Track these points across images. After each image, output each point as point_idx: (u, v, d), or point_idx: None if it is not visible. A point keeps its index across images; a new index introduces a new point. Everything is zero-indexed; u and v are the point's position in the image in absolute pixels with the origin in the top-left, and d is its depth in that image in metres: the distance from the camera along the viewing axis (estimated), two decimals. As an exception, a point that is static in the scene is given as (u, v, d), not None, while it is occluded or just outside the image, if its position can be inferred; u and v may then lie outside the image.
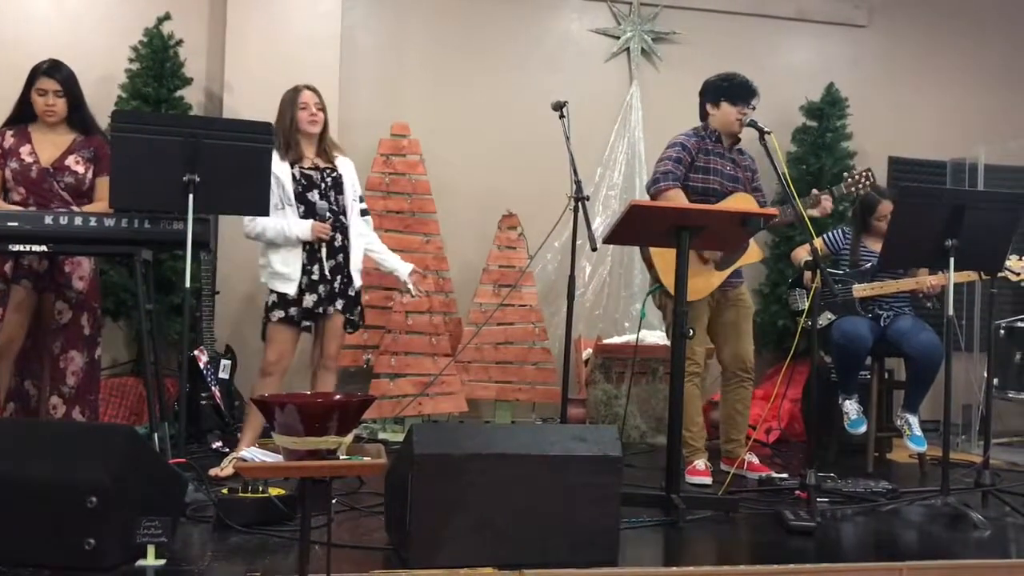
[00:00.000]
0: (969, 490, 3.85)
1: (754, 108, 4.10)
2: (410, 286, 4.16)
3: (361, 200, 4.11)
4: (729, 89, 4.11)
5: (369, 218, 4.16)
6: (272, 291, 3.88)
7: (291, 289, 3.83)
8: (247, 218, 3.81)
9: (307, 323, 3.90)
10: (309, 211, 3.88)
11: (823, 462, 4.41)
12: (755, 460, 4.24)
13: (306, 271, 3.85)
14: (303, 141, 3.96)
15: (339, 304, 3.94)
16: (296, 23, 5.32)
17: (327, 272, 3.90)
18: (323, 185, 3.93)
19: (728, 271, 4.10)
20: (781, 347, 5.65)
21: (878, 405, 4.67)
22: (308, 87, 4.01)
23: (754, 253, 4.17)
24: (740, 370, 4.21)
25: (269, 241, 3.85)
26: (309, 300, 3.86)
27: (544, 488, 2.69)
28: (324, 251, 3.89)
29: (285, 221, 3.82)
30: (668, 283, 3.98)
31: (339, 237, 3.94)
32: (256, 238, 3.86)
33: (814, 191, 4.24)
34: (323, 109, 4.01)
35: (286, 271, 3.84)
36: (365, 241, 4.08)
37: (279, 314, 3.85)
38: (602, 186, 5.87)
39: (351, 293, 3.99)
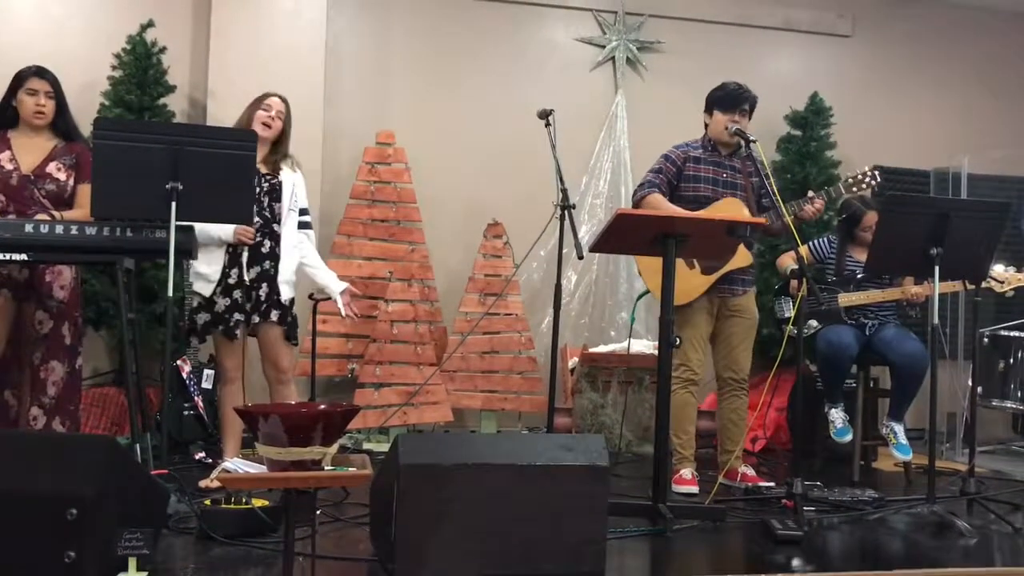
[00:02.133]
0: (955, 498, 3.86)
1: (745, 114, 4.11)
2: (340, 305, 4.03)
3: (304, 213, 4.03)
4: (719, 97, 4.14)
5: (311, 232, 4.10)
6: (194, 293, 3.85)
7: (206, 291, 3.81)
8: None
9: (222, 327, 3.81)
10: None
11: (809, 471, 4.40)
12: (750, 472, 4.21)
13: (225, 274, 3.81)
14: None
15: (274, 316, 3.86)
16: (281, 31, 5.29)
17: (247, 278, 3.83)
18: (258, 190, 3.85)
19: (717, 274, 4.09)
20: (767, 356, 5.64)
21: (863, 414, 4.67)
22: (278, 95, 3.99)
23: (742, 257, 4.16)
24: (731, 379, 4.20)
25: (201, 243, 3.75)
26: (221, 304, 3.80)
27: (531, 498, 2.67)
28: (246, 256, 3.83)
29: (208, 224, 3.72)
30: (652, 286, 4.03)
31: (268, 243, 3.87)
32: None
33: (810, 192, 4.24)
34: (284, 120, 3.96)
35: (207, 271, 3.81)
36: (300, 253, 4.00)
37: (204, 316, 3.81)
38: (588, 194, 5.87)
39: (284, 303, 3.91)
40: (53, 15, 5.20)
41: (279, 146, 3.99)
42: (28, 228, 3.40)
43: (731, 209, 4.08)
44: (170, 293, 3.35)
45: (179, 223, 3.33)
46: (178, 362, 4.58)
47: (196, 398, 4.60)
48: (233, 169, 3.42)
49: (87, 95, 4.88)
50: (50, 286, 3.75)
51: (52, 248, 3.43)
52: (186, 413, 4.59)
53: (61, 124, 3.80)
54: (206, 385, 4.71)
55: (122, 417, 4.67)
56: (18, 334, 3.78)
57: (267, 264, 3.87)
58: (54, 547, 2.41)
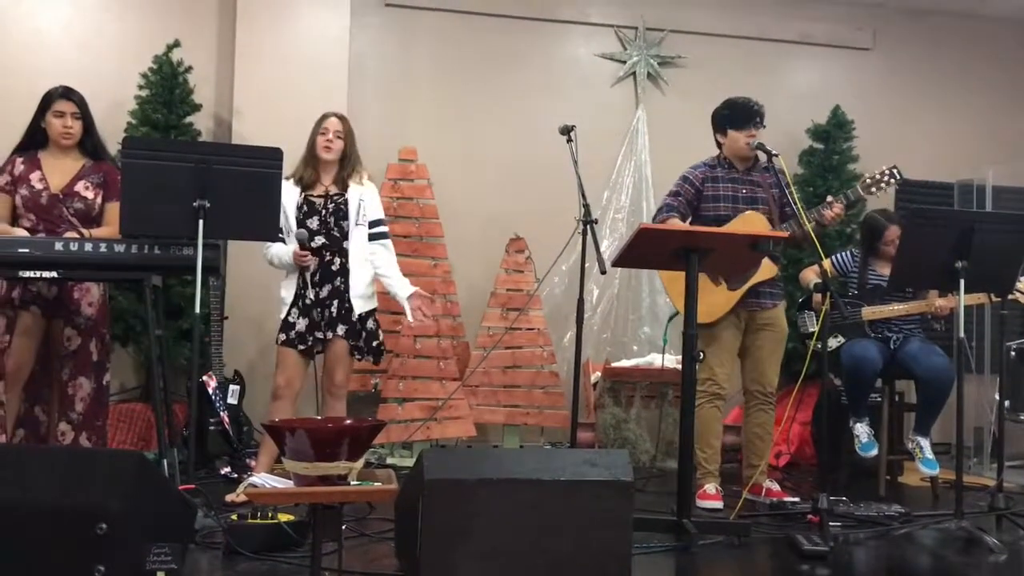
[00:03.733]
0: (983, 514, 3.82)
1: (760, 126, 4.11)
2: (407, 309, 4.05)
3: (378, 224, 4.09)
4: (731, 116, 4.14)
5: (387, 242, 4.13)
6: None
7: (282, 312, 3.97)
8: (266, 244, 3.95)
9: (301, 346, 3.94)
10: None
11: (834, 486, 4.37)
12: (775, 487, 4.19)
13: (300, 295, 3.94)
14: (320, 167, 4.01)
15: (340, 330, 3.94)
16: (304, 49, 5.35)
17: (318, 297, 3.94)
18: (323, 211, 3.96)
19: (742, 290, 4.08)
20: (790, 370, 5.62)
21: (889, 428, 4.64)
22: (336, 114, 4.08)
23: (767, 270, 4.15)
24: (758, 392, 4.18)
25: (280, 265, 3.99)
26: (301, 324, 3.94)
27: (555, 513, 2.66)
28: (315, 277, 3.94)
29: (285, 247, 3.93)
30: (679, 305, 3.97)
31: (338, 261, 3.96)
32: (269, 263, 4.02)
33: (828, 197, 4.22)
34: (344, 138, 4.04)
35: (285, 295, 4.00)
36: (373, 265, 4.06)
37: (281, 336, 3.96)
38: (609, 209, 5.88)
39: (353, 319, 3.98)
40: (81, 36, 5.28)
41: (345, 163, 4.05)
42: (57, 246, 3.45)
43: (753, 222, 4.07)
44: (197, 310, 3.38)
45: (206, 240, 3.36)
46: (204, 378, 4.62)
47: (222, 413, 4.63)
48: (259, 186, 3.47)
49: (115, 114, 4.95)
50: (78, 303, 3.80)
51: (81, 265, 3.48)
52: (211, 428, 4.62)
53: (88, 144, 3.85)
54: (232, 400, 4.74)
55: (148, 432, 4.71)
56: (47, 350, 3.83)
57: (338, 281, 3.96)
58: (84, 561, 2.44)
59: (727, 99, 4.19)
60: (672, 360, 5.25)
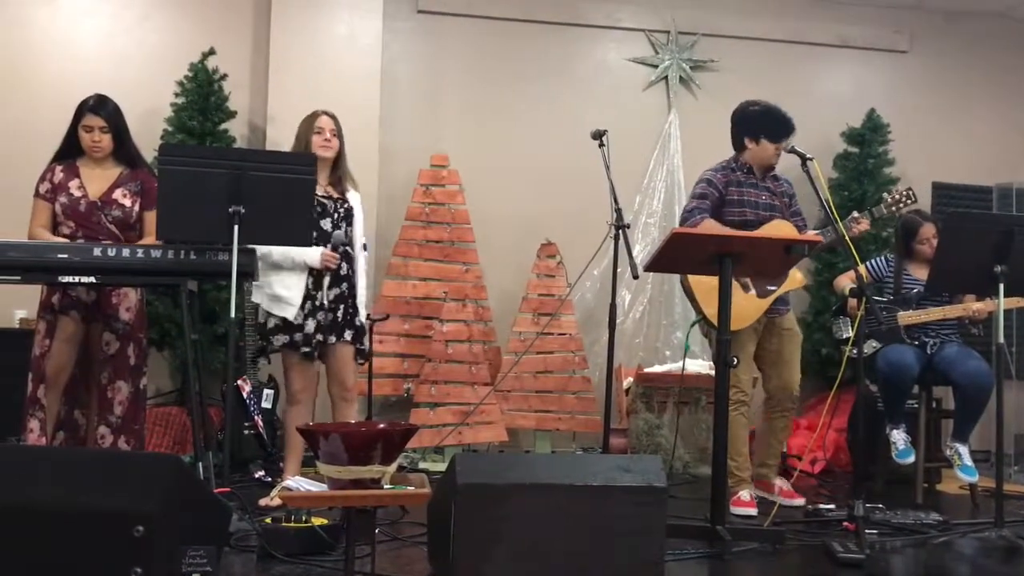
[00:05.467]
0: (1024, 522, 3.76)
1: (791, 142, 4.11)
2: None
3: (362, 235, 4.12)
4: (771, 127, 4.10)
5: (366, 254, 4.18)
6: (269, 315, 3.87)
7: (290, 314, 3.83)
8: None
9: (306, 349, 3.86)
10: (322, 238, 3.88)
11: (871, 493, 4.31)
12: (786, 486, 4.22)
13: (310, 296, 3.86)
14: (318, 167, 3.90)
15: (347, 335, 3.94)
16: (337, 57, 5.40)
17: (328, 300, 3.90)
18: (335, 215, 3.96)
19: (771, 299, 4.06)
20: (825, 376, 5.56)
21: (926, 435, 4.56)
22: (326, 112, 4.03)
23: (796, 279, 4.13)
24: (786, 399, 4.20)
25: (273, 263, 3.83)
26: (310, 326, 3.86)
27: (588, 519, 2.65)
28: (328, 279, 3.90)
29: (294, 248, 3.80)
30: (709, 313, 3.97)
31: (344, 266, 3.96)
32: (260, 258, 3.75)
33: (854, 213, 4.21)
34: (339, 136, 4.01)
35: (286, 295, 3.84)
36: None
37: (283, 339, 3.85)
38: (641, 214, 5.87)
39: (358, 323, 3.99)
40: (118, 46, 5.36)
41: (340, 162, 4.04)
42: (96, 251, 3.50)
43: (782, 229, 4.06)
44: (232, 314, 3.41)
45: (241, 246, 3.39)
46: (238, 382, 4.66)
47: (256, 417, 4.67)
48: (294, 193, 3.49)
49: (151, 121, 5.02)
50: (116, 308, 3.85)
51: (118, 271, 3.53)
52: (246, 432, 4.66)
53: (123, 153, 3.89)
54: (265, 404, 4.78)
55: (184, 436, 4.76)
56: (86, 355, 3.88)
57: (344, 286, 3.95)
58: (121, 564, 2.46)
59: (761, 105, 4.15)
60: (700, 365, 5.24)
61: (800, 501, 4.16)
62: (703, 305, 3.99)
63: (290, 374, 3.93)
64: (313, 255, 3.85)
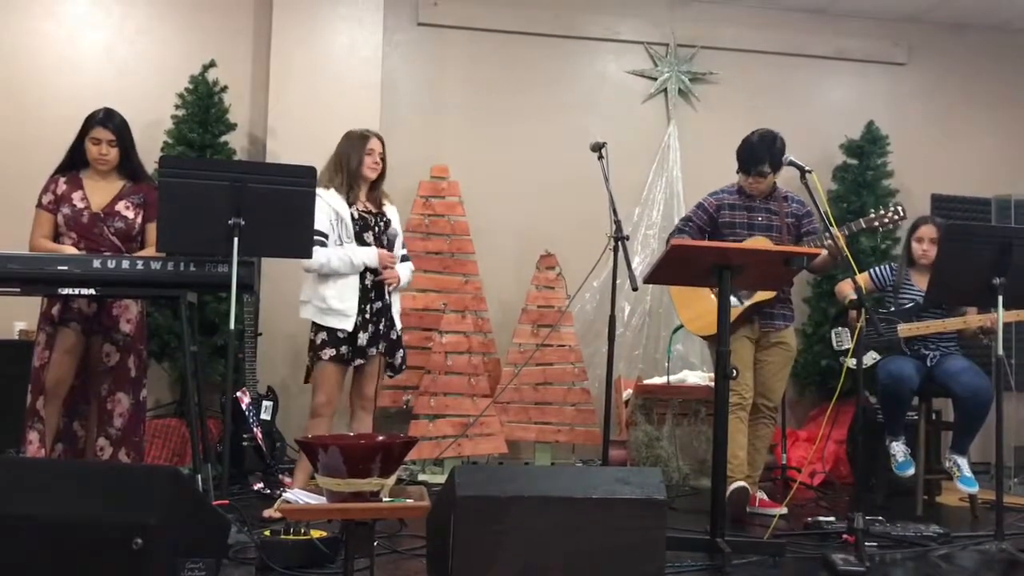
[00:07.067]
0: (1024, 535, 3.75)
1: (763, 175, 4.13)
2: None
3: (403, 246, 4.16)
4: (741, 158, 4.21)
5: (410, 263, 4.19)
6: (321, 328, 3.86)
7: (348, 325, 3.83)
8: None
9: (360, 361, 3.89)
10: None
11: (870, 505, 4.31)
12: (764, 496, 4.30)
13: (361, 309, 3.87)
14: (360, 183, 4.02)
15: (382, 346, 3.96)
16: (337, 68, 5.42)
17: (374, 313, 3.93)
18: (376, 229, 3.99)
19: (744, 306, 4.12)
20: (825, 387, 5.57)
21: (926, 447, 4.56)
22: (377, 135, 4.08)
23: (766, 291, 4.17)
24: (764, 406, 4.26)
25: (332, 271, 3.82)
26: (363, 338, 3.87)
27: (588, 531, 2.65)
28: (372, 291, 3.92)
29: (350, 249, 3.84)
30: (683, 318, 4.28)
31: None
32: (318, 269, 3.81)
33: (832, 230, 4.21)
34: (384, 159, 4.06)
35: (342, 307, 3.83)
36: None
37: (330, 352, 3.84)
38: (640, 225, 5.88)
39: (393, 336, 4.01)
40: (120, 58, 5.38)
41: (380, 182, 4.08)
42: (95, 263, 3.51)
43: (760, 244, 4.12)
44: (231, 326, 3.41)
45: (240, 258, 3.40)
46: (237, 394, 4.65)
47: (255, 429, 4.66)
48: (293, 205, 3.50)
49: (151, 133, 5.03)
50: (117, 320, 3.86)
51: (118, 283, 3.53)
52: (245, 444, 4.65)
53: (127, 167, 3.90)
54: (264, 416, 4.78)
55: (183, 447, 4.75)
56: (86, 366, 3.88)
57: (386, 298, 3.98)
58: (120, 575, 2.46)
59: (751, 136, 4.19)
60: (699, 377, 5.25)
61: (782, 510, 4.10)
62: (678, 310, 4.16)
63: (321, 387, 3.89)
64: (371, 254, 3.87)
